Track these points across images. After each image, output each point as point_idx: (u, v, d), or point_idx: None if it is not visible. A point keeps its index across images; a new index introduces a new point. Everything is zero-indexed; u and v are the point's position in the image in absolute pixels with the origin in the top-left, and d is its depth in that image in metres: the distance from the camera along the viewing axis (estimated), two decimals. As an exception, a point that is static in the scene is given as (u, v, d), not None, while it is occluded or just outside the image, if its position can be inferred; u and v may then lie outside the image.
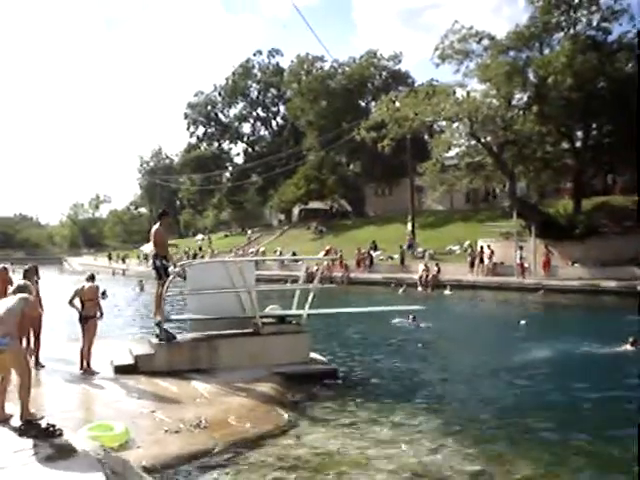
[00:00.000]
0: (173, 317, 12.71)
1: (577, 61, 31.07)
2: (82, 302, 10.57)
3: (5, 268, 10.80)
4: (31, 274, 10.36)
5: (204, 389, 9.53)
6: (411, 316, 17.94)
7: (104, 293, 26.97)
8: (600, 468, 7.09)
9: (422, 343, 15.50)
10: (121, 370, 10.48)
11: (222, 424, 8.02)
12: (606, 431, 8.33)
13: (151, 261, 11.44)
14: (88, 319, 10.59)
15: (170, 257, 11.54)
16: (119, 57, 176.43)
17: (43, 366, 10.87)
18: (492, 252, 32.17)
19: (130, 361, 10.71)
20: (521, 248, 29.84)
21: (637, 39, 30.63)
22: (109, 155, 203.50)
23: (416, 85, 51.91)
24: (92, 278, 11.14)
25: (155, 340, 10.89)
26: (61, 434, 6.62)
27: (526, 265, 29.62)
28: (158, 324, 10.87)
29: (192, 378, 10.05)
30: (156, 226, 11.21)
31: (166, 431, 7.51)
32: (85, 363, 10.60)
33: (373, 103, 55.28)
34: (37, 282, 10.76)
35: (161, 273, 10.83)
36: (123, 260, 64.54)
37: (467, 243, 35.66)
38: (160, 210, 12.62)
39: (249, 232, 59.69)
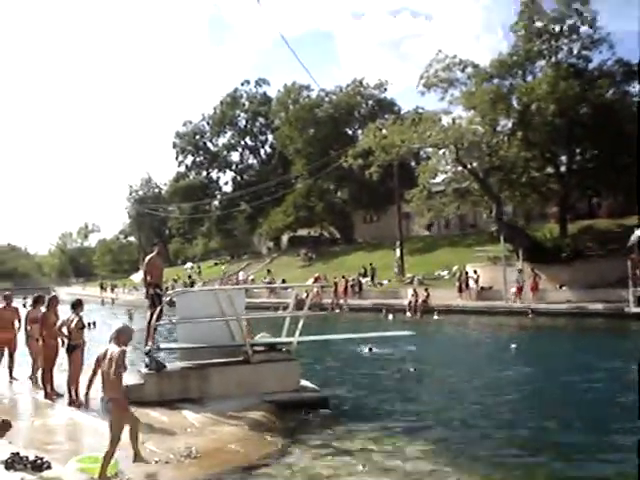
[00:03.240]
0: (163, 346, 12.66)
1: (559, 88, 31.67)
2: (69, 331, 10.53)
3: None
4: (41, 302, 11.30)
5: (194, 419, 9.49)
6: (368, 346, 17.98)
7: (94, 323, 26.99)
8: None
9: (412, 369, 15.51)
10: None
11: (213, 454, 7.99)
12: (594, 454, 8.39)
13: (144, 290, 11.47)
14: (74, 348, 10.54)
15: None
16: (107, 86, 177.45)
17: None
18: (478, 276, 32.34)
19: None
20: (520, 271, 29.97)
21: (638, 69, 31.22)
22: (98, 184, 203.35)
23: (402, 113, 52.54)
24: (75, 306, 10.82)
25: (145, 369, 10.84)
26: (49, 467, 6.59)
27: (516, 288, 29.69)
28: (148, 353, 10.84)
29: (182, 408, 10.00)
30: (150, 255, 11.30)
31: (156, 462, 7.47)
32: (73, 393, 10.53)
33: (360, 131, 55.79)
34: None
35: (155, 301, 10.87)
36: (112, 289, 64.34)
37: (455, 268, 35.81)
38: (155, 240, 12.74)
39: (223, 267, 59.21)
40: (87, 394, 7.42)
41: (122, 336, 7.26)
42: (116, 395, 6.97)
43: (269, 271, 48.54)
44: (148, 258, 11.26)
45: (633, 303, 24.53)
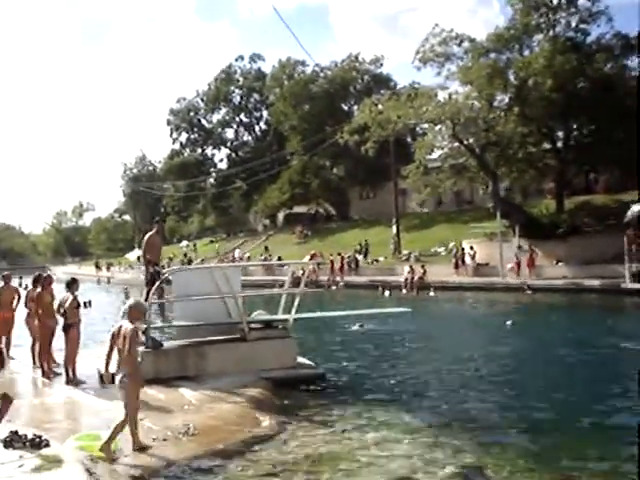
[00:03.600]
0: (159, 324, 12.63)
1: (557, 62, 31.40)
2: (64, 310, 10.49)
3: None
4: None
5: (192, 396, 9.50)
6: (359, 323, 17.98)
7: (90, 302, 27.01)
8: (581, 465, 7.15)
9: (408, 345, 15.55)
10: (108, 379, 10.39)
11: (210, 431, 8.00)
12: (585, 430, 8.43)
13: (144, 268, 11.40)
14: (70, 327, 10.49)
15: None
16: (101, 65, 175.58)
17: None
18: (475, 253, 32.35)
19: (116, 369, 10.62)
20: (519, 247, 29.99)
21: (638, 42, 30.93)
22: (92, 163, 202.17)
23: (398, 88, 52.13)
24: (69, 284, 10.77)
25: (141, 348, 10.80)
26: (47, 445, 6.58)
27: (513, 264, 29.71)
28: (144, 331, 10.80)
29: (179, 385, 10.01)
30: (150, 234, 11.23)
31: (154, 439, 7.47)
32: (71, 372, 10.52)
33: (355, 107, 55.42)
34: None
35: (155, 279, 10.83)
36: (108, 268, 64.29)
37: (452, 244, 35.83)
38: (156, 218, 12.66)
39: (216, 246, 59.42)
40: (106, 371, 7.37)
41: (135, 312, 7.27)
42: (131, 370, 6.99)
43: (266, 248, 48.54)
44: (147, 236, 11.22)
45: (629, 279, 24.59)
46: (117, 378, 7.09)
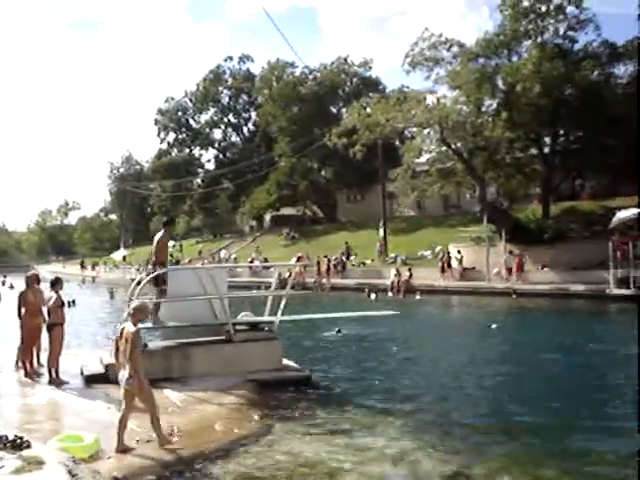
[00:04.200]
0: (143, 325, 12.49)
1: (544, 68, 31.57)
2: (48, 310, 10.38)
3: None
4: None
5: (176, 398, 9.41)
6: (337, 328, 17.69)
7: (74, 302, 26.82)
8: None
9: (393, 349, 15.52)
10: (91, 379, 10.31)
11: (195, 433, 7.94)
12: (567, 435, 8.45)
13: (150, 267, 11.27)
14: (54, 327, 10.38)
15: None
16: (89, 63, 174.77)
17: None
18: (462, 257, 32.44)
19: (101, 370, 10.53)
20: (510, 252, 30.11)
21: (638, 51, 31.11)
22: (78, 161, 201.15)
23: (387, 91, 52.19)
24: (53, 284, 10.72)
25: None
26: (29, 446, 6.48)
27: (504, 269, 29.80)
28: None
29: (164, 387, 9.89)
30: (160, 233, 11.10)
31: (137, 441, 7.40)
32: (54, 372, 10.40)
33: (344, 109, 55.43)
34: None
35: (159, 280, 10.72)
36: (93, 267, 63.89)
37: (438, 248, 35.90)
38: (166, 219, 12.38)
39: (200, 246, 59.34)
40: (117, 371, 7.35)
41: (138, 313, 7.32)
42: (132, 372, 7.02)
43: (258, 248, 48.40)
44: (159, 237, 11.05)
45: (614, 285, 24.75)
46: (121, 379, 7.13)
